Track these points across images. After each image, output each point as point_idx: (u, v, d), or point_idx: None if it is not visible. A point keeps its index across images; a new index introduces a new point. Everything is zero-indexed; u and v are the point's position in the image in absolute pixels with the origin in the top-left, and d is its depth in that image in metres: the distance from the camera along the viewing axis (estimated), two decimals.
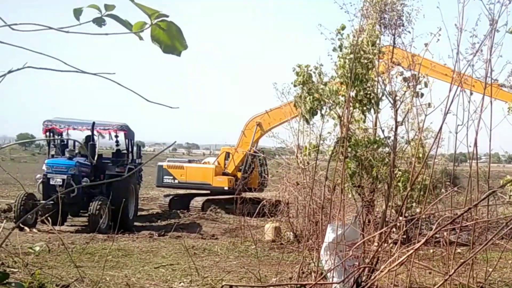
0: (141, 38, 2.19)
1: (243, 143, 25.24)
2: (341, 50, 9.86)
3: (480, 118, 7.88)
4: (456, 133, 8.03)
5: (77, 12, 2.15)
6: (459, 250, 9.52)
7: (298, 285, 9.44)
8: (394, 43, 10.20)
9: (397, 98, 9.66)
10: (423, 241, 5.23)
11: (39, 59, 2.33)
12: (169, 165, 26.81)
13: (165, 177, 26.47)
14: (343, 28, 9.97)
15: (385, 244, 7.90)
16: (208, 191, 25.65)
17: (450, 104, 7.69)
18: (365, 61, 9.70)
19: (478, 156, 8.68)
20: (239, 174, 25.66)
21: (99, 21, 2.18)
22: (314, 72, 10.47)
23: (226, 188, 25.21)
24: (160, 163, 27.59)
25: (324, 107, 10.21)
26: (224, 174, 26.01)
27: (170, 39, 2.22)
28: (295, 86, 10.76)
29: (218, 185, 25.39)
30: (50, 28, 2.23)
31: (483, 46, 7.77)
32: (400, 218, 8.51)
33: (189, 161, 28.06)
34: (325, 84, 10.18)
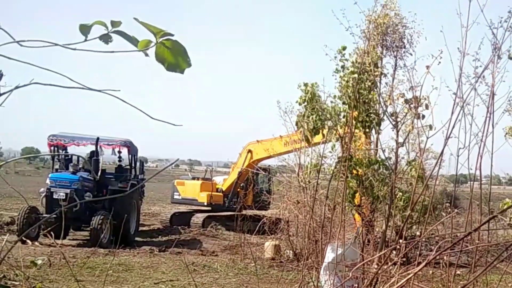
0: (147, 55, 2.25)
1: (239, 164, 25.55)
2: (343, 71, 9.95)
3: (485, 144, 7.90)
4: (458, 156, 8.07)
5: (84, 29, 2.21)
6: (458, 272, 9.50)
7: None
8: (396, 65, 10.28)
9: (399, 119, 9.72)
10: (423, 264, 5.25)
11: (45, 75, 2.40)
12: (178, 182, 27.41)
13: (175, 193, 27.24)
14: (344, 48, 10.06)
15: (385, 266, 7.91)
16: (198, 207, 26.10)
17: (452, 128, 7.74)
18: (368, 83, 9.79)
19: (479, 178, 8.70)
20: (241, 192, 25.85)
21: (106, 38, 2.23)
22: (318, 90, 10.56)
23: (205, 203, 25.80)
24: (173, 181, 28.46)
25: (326, 126, 10.28)
26: (218, 191, 26.44)
27: (175, 57, 2.28)
28: (300, 104, 10.84)
29: (201, 201, 25.98)
30: (57, 44, 2.30)
31: (486, 70, 7.81)
32: (400, 240, 8.52)
33: (193, 178, 28.31)
34: (327, 104, 10.26)
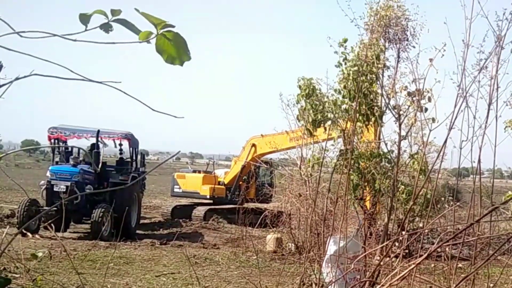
0: (149, 42, 2.22)
1: (243, 157, 25.60)
2: (345, 64, 9.90)
3: (484, 134, 7.86)
4: (461, 148, 8.03)
5: (84, 18, 2.18)
6: (460, 265, 9.49)
7: None
8: (399, 57, 10.22)
9: (401, 112, 9.67)
10: (424, 255, 5.21)
11: (46, 66, 2.37)
12: (178, 174, 27.40)
13: (175, 186, 27.22)
14: (345, 41, 10.01)
15: (387, 258, 7.89)
16: (199, 200, 26.13)
17: (455, 119, 7.68)
18: (371, 75, 9.73)
19: (481, 171, 8.66)
20: (243, 185, 25.87)
21: (106, 27, 2.20)
22: (318, 84, 10.51)
23: (208, 196, 25.90)
24: (173, 174, 28.47)
25: (328, 121, 10.24)
26: (220, 184, 26.45)
27: (175, 49, 2.25)
28: (297, 102, 10.80)
29: (203, 194, 26.08)
30: (57, 35, 2.26)
31: (488, 62, 7.76)
32: (403, 232, 8.51)
33: (194, 171, 28.34)
34: (328, 97, 10.22)
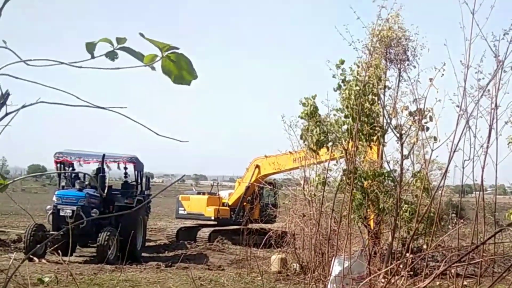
0: (153, 69, 2.29)
1: (246, 179, 25.63)
2: (344, 85, 9.99)
3: (487, 154, 7.92)
4: (463, 168, 8.08)
5: (90, 47, 2.25)
6: (465, 283, 9.48)
7: None
8: (400, 77, 10.30)
9: (403, 132, 9.73)
10: (430, 280, 5.26)
11: (52, 93, 2.44)
12: (183, 196, 27.38)
13: (180, 208, 27.15)
14: (342, 62, 10.11)
15: (392, 280, 7.90)
16: (204, 221, 26.09)
17: (458, 143, 7.73)
18: (373, 96, 9.81)
19: (484, 188, 8.70)
20: (247, 206, 25.86)
21: (111, 55, 2.26)
22: (321, 103, 10.61)
23: (212, 217, 25.81)
24: (178, 196, 28.40)
25: (331, 141, 10.31)
26: (224, 205, 26.45)
27: (181, 69, 2.31)
28: (302, 118, 10.88)
29: (207, 215, 25.99)
30: (63, 63, 2.34)
31: (489, 83, 7.82)
32: (407, 254, 8.51)
33: (198, 193, 28.33)
34: (330, 117, 10.30)
